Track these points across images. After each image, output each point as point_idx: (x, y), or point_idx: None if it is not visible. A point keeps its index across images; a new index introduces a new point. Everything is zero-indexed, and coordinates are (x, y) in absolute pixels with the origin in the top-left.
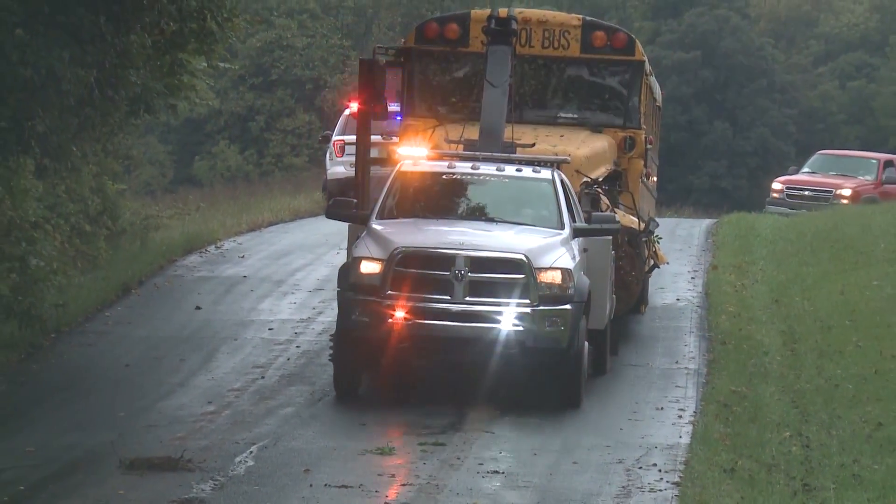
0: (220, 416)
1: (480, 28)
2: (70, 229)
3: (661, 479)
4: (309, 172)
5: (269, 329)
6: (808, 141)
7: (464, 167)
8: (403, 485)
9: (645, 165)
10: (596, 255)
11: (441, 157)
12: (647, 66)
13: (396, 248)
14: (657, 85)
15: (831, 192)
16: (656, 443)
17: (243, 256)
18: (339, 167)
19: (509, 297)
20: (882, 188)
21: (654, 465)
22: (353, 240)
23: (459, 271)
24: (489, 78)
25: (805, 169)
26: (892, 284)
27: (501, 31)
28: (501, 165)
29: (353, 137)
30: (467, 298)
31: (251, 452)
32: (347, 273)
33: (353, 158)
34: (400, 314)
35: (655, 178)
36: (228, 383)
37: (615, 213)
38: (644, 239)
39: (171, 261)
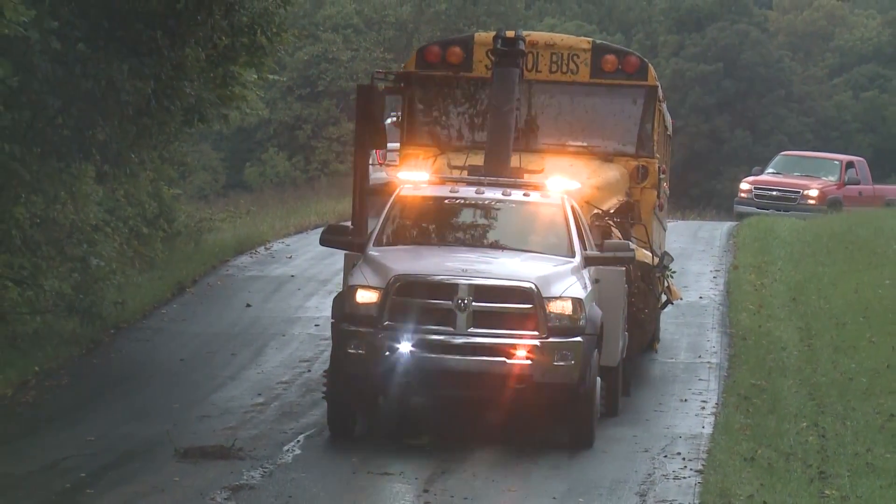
0: (269, 407)
1: (485, 51)
2: (128, 231)
3: (685, 467)
4: (353, 178)
5: (316, 325)
6: (824, 148)
7: (467, 192)
8: (443, 472)
9: (658, 196)
10: (609, 287)
11: (443, 182)
12: (660, 92)
13: (394, 276)
14: (668, 113)
15: (799, 192)
16: (680, 433)
17: (291, 257)
18: (381, 173)
19: (516, 329)
20: (845, 189)
21: (679, 453)
22: (349, 268)
23: (462, 300)
24: (495, 101)
25: (769, 169)
26: None
27: (508, 51)
28: (507, 190)
29: (395, 145)
30: (471, 330)
31: (298, 441)
32: (342, 303)
33: (395, 164)
34: (398, 347)
35: (665, 204)
36: (277, 376)
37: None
38: (658, 274)
39: (223, 261)
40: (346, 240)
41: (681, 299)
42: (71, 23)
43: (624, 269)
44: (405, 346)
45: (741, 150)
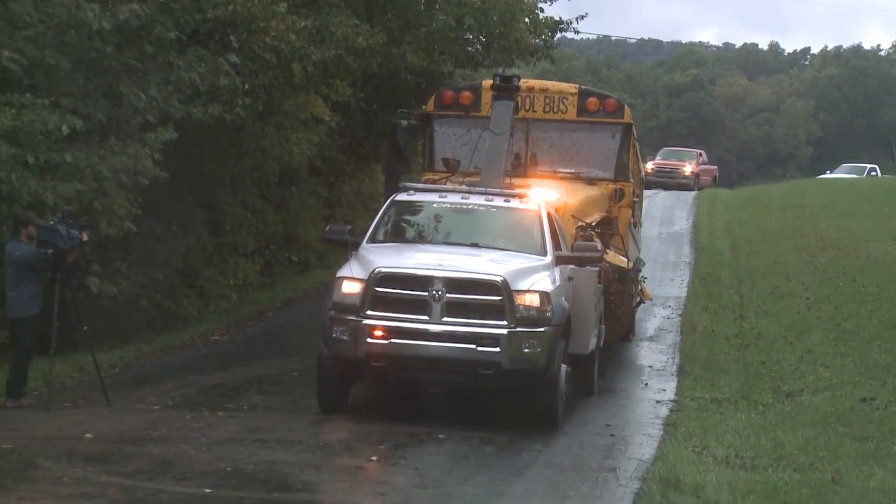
0: None
1: (490, 92)
2: None
3: (672, 313)
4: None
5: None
6: (742, 154)
7: (454, 198)
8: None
9: (633, 215)
10: (581, 284)
11: (434, 190)
12: (635, 132)
13: (376, 269)
14: (642, 161)
15: (678, 169)
16: (670, 296)
17: None
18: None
19: (487, 319)
20: (700, 168)
21: (670, 306)
22: None
23: (437, 292)
24: (492, 127)
25: (658, 157)
26: (783, 221)
27: (505, 87)
28: (491, 197)
29: None
30: (445, 319)
31: None
32: (331, 292)
33: None
34: (378, 333)
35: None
36: None
37: (605, 249)
38: (632, 276)
39: None
40: (345, 238)
41: (651, 300)
42: (369, 94)
43: (596, 269)
44: (384, 333)
45: None
